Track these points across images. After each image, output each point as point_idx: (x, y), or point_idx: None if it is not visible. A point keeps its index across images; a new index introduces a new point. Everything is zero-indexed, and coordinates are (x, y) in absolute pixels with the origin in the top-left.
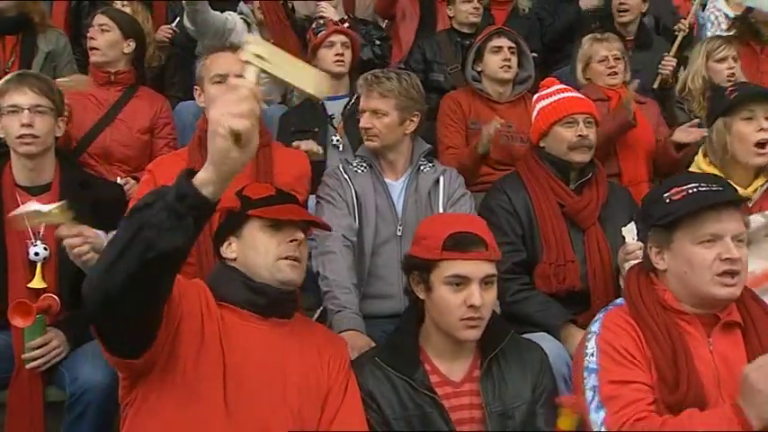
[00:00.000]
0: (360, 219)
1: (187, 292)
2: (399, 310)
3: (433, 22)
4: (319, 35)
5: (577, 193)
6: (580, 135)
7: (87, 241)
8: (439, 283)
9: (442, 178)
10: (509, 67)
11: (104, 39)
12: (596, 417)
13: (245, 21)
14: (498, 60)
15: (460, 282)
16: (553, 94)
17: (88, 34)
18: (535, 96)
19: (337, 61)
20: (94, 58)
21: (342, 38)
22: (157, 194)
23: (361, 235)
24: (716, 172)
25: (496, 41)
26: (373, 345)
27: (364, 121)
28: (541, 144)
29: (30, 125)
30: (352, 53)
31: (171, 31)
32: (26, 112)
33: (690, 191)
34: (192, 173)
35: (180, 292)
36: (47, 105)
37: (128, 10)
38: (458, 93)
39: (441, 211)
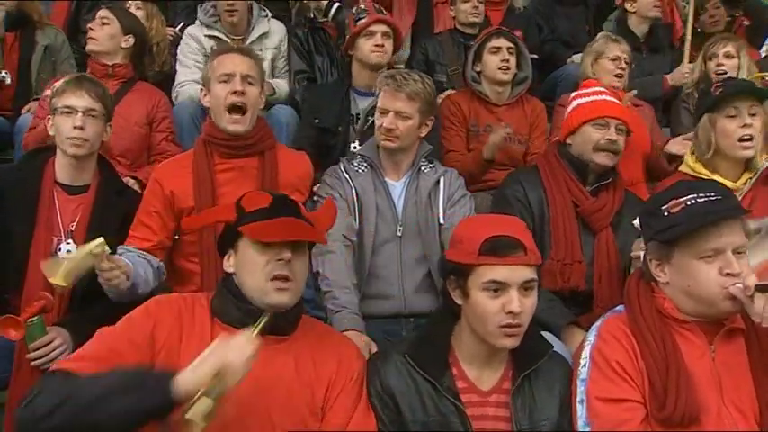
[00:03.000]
0: (360, 218)
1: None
2: (399, 311)
3: (430, 24)
4: (359, 23)
5: (593, 195)
6: (608, 139)
7: (123, 271)
8: (476, 289)
9: (442, 179)
10: (507, 68)
11: (103, 31)
12: None
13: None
14: (497, 61)
15: (498, 288)
16: (591, 94)
17: (89, 25)
18: (572, 95)
19: (376, 52)
20: (90, 46)
21: (383, 27)
22: (140, 381)
23: (362, 235)
24: (703, 169)
25: (495, 42)
26: (373, 345)
27: (389, 122)
28: (568, 141)
29: (81, 128)
30: (394, 45)
31: (173, 34)
32: (80, 114)
33: (688, 203)
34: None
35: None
36: (99, 110)
37: (142, 13)
38: (457, 94)
39: (441, 212)
